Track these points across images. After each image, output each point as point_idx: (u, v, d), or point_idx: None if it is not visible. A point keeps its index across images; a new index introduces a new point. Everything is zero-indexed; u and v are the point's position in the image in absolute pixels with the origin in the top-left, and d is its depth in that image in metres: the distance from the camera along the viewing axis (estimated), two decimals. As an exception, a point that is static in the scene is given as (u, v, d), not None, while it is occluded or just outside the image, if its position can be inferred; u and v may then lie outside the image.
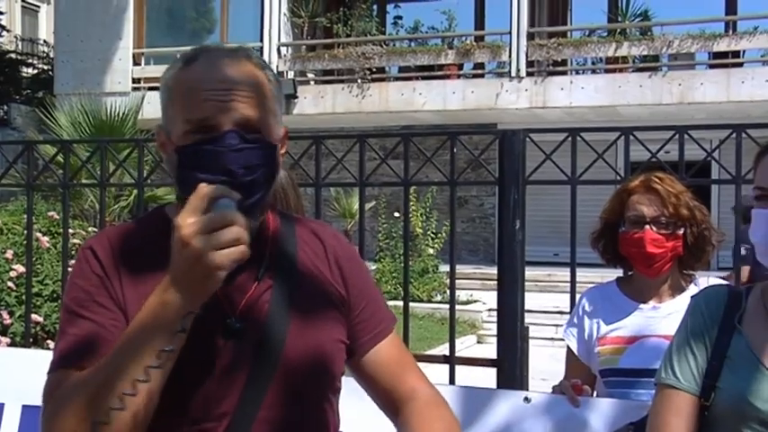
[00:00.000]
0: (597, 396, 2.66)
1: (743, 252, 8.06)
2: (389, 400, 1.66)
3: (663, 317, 2.59)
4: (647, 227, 2.57)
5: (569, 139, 3.37)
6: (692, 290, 2.61)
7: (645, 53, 15.18)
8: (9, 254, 7.13)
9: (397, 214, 14.25)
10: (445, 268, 12.47)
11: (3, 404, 2.89)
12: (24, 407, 2.82)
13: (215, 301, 1.42)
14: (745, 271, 7.71)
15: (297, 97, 15.96)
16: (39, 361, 3.05)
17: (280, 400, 1.49)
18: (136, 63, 17.37)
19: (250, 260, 1.42)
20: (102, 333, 1.44)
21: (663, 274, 2.64)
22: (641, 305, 2.67)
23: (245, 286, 1.52)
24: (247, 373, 1.47)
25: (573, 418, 2.50)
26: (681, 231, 2.59)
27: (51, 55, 22.20)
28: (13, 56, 25.53)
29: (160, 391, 1.37)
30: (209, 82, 1.46)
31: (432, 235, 14.37)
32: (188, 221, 1.31)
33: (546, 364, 8.18)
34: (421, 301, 12.90)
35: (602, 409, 2.49)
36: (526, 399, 2.58)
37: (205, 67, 1.48)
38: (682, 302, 2.09)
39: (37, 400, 2.86)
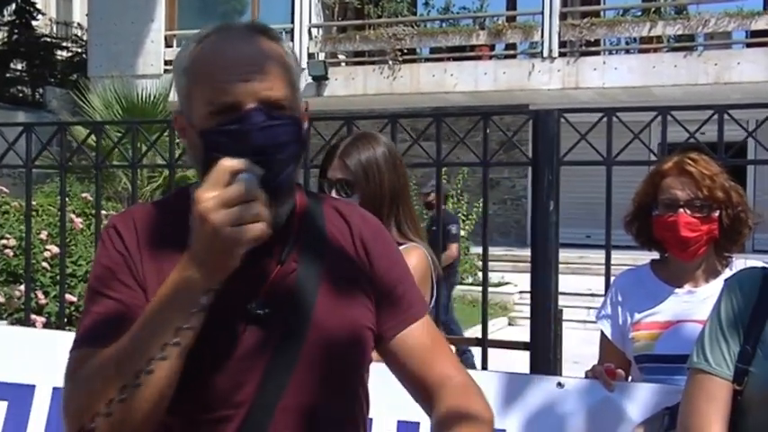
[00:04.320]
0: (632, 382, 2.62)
1: (454, 231, 8.72)
2: (420, 388, 1.56)
3: (699, 301, 2.53)
4: (681, 210, 2.51)
5: (604, 119, 3.33)
6: (728, 273, 2.52)
7: (680, 33, 14.95)
8: (44, 234, 7.22)
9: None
10: (477, 250, 12.41)
11: (34, 386, 2.90)
12: (55, 389, 2.83)
13: (236, 285, 1.38)
14: (453, 248, 8.67)
15: (328, 79, 15.93)
16: (68, 343, 3.08)
17: (304, 387, 1.45)
18: (168, 45, 17.44)
19: (277, 241, 1.39)
20: (124, 311, 1.42)
21: (698, 258, 2.58)
22: (676, 289, 2.61)
23: (269, 269, 1.48)
24: (268, 360, 1.43)
25: (608, 403, 2.47)
26: (716, 214, 2.52)
27: (85, 38, 22.36)
28: (48, 39, 25.76)
29: (179, 373, 1.35)
30: (230, 61, 1.41)
31: (463, 217, 14.32)
32: (207, 195, 1.27)
33: (578, 347, 8.12)
34: (452, 282, 12.87)
35: (636, 394, 2.46)
36: (559, 384, 2.55)
37: (223, 46, 1.43)
38: (718, 286, 2.03)
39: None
